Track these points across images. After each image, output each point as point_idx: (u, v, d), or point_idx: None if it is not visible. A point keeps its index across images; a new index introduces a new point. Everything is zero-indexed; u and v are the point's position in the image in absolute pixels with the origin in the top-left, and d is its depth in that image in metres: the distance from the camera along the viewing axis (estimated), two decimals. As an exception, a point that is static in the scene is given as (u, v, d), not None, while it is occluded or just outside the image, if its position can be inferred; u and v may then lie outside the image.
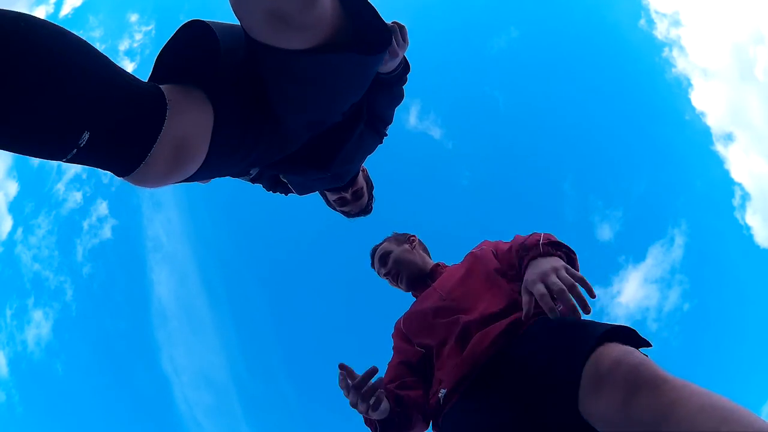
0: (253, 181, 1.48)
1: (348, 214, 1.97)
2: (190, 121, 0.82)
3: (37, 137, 0.66)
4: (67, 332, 14.29)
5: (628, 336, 1.06)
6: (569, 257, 1.26)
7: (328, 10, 0.82)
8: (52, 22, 0.67)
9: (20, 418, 13.34)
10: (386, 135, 1.56)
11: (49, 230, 14.53)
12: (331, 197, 1.86)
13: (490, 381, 1.18)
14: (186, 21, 0.92)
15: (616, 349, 0.95)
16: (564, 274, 1.10)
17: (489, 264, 1.54)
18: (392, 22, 1.18)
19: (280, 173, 1.44)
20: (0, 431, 12.59)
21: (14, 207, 14.52)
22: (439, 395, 1.27)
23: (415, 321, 1.56)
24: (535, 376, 1.07)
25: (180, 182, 0.92)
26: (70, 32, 0.69)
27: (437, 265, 1.80)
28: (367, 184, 1.91)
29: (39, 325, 13.94)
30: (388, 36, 0.98)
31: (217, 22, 0.96)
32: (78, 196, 14.73)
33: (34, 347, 13.80)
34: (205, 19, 0.93)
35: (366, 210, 1.98)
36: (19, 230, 14.35)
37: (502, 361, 1.19)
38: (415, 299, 1.75)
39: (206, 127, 0.85)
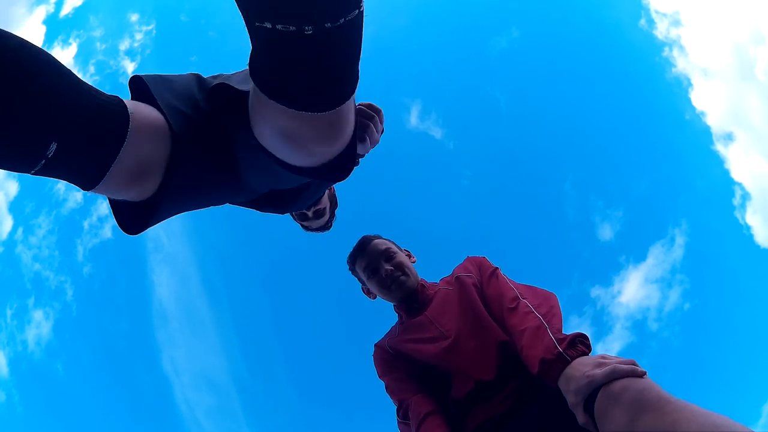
0: None
1: (307, 228, 1.98)
2: (151, 133, 0.84)
3: (6, 151, 0.66)
4: (68, 332, 14.32)
5: None
6: (585, 345, 1.20)
7: (337, 148, 0.79)
8: (14, 34, 0.67)
9: (20, 418, 13.36)
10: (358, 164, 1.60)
11: (50, 230, 14.57)
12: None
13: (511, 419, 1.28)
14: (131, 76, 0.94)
15: (623, 379, 1.01)
16: (603, 363, 1.08)
17: (478, 301, 1.57)
18: (366, 103, 1.18)
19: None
20: (0, 431, 12.60)
21: (15, 207, 14.58)
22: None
23: (416, 355, 1.56)
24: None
25: (146, 212, 0.92)
26: (31, 43, 0.69)
27: (421, 285, 1.73)
28: (331, 203, 1.92)
29: (39, 325, 13.97)
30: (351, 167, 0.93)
31: (161, 83, 0.95)
32: (78, 196, 14.77)
33: (34, 347, 13.83)
34: (149, 80, 0.93)
35: (325, 227, 1.99)
36: (20, 230, 14.40)
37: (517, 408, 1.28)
38: (397, 314, 1.76)
39: (166, 140, 0.86)
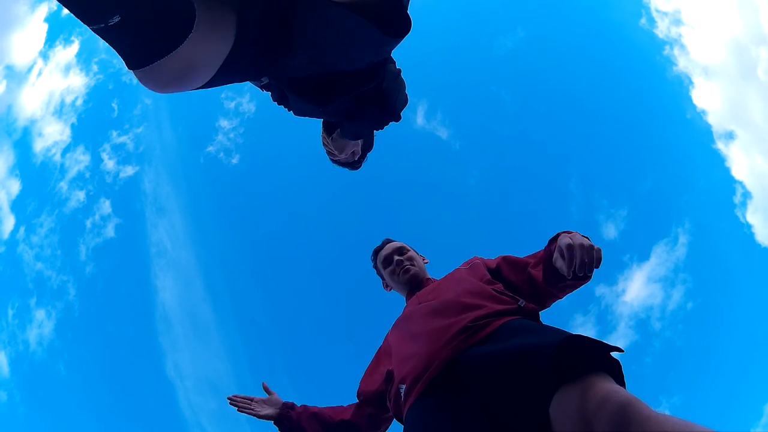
0: (263, 88, 1.53)
1: (336, 162, 1.92)
2: (209, 47, 0.92)
3: (81, 3, 0.80)
4: (70, 332, 14.31)
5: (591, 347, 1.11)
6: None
7: None
8: None
9: (22, 418, 13.37)
10: (399, 119, 1.62)
11: (52, 229, 14.56)
12: (324, 137, 1.82)
13: (453, 382, 1.26)
14: None
15: (603, 387, 1.00)
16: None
17: (469, 270, 1.73)
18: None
19: (285, 89, 1.48)
20: (1, 431, 12.61)
21: (16, 206, 14.56)
22: (399, 388, 1.39)
23: (393, 331, 1.71)
24: (495, 392, 1.14)
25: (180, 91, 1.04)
26: None
27: (428, 279, 1.97)
28: (363, 142, 1.86)
29: (41, 325, 13.96)
30: (407, 24, 1.08)
31: None
32: (81, 194, 14.77)
33: (36, 347, 13.83)
34: None
35: (354, 165, 1.94)
36: (22, 229, 14.38)
37: (464, 362, 1.26)
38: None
39: (221, 54, 0.95)
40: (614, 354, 1.11)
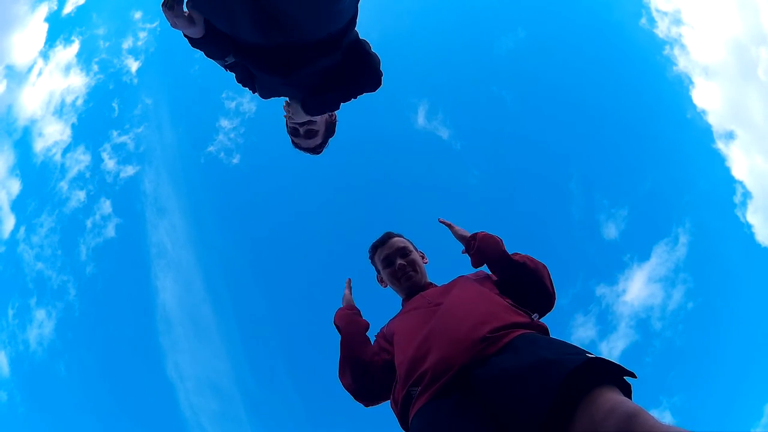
0: (228, 68, 1.56)
1: (296, 146, 1.95)
2: None
3: None
4: (70, 332, 14.32)
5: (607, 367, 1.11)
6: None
7: None
8: None
9: (22, 418, 13.37)
10: (380, 84, 1.65)
11: (52, 229, 14.57)
12: (288, 119, 1.84)
13: (465, 388, 1.27)
14: None
15: (611, 398, 1.02)
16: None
17: (478, 281, 1.73)
18: None
19: (251, 66, 1.52)
20: (1, 431, 12.62)
21: (17, 205, 14.57)
22: (411, 391, 1.38)
23: (398, 324, 1.69)
24: (507, 401, 1.15)
25: None
26: None
27: (428, 283, 1.95)
28: (326, 128, 1.90)
29: (41, 325, 13.97)
30: None
31: None
32: (81, 194, 14.77)
33: (36, 347, 13.84)
34: None
35: (314, 151, 1.96)
36: (22, 229, 14.40)
37: (479, 371, 1.27)
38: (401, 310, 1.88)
39: None
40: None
